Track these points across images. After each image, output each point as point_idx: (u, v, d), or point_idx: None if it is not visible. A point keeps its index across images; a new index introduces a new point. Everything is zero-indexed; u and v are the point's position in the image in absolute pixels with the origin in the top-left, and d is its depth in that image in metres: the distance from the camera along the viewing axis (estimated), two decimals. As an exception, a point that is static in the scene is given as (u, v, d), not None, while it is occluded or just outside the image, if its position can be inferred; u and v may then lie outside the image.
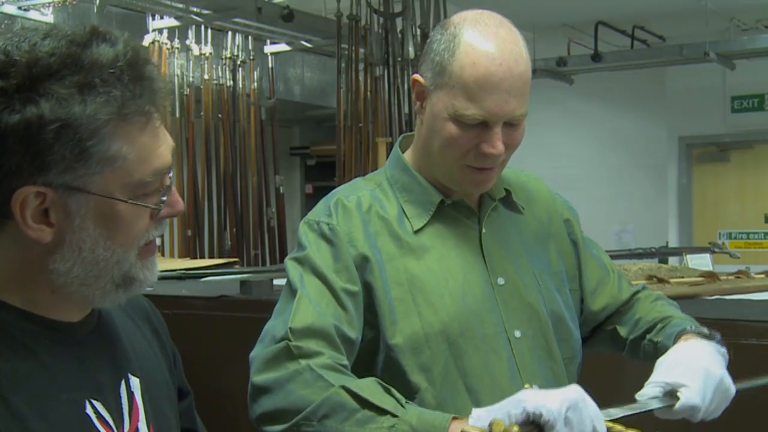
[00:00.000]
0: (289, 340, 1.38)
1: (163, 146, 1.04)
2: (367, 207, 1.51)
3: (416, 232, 1.51)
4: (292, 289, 1.46)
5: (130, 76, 0.98)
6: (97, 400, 1.04)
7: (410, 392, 1.45)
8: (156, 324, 1.26)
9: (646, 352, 1.59)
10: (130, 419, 1.08)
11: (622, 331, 1.64)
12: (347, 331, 1.42)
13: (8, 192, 0.95)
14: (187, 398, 1.30)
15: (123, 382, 1.09)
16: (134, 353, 1.14)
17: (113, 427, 1.04)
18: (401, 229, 1.50)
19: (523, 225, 1.60)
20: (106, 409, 1.05)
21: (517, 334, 1.50)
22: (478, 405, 1.42)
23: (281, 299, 1.49)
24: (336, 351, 1.39)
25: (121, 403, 1.08)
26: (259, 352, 1.43)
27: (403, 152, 1.60)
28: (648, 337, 1.59)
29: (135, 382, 1.11)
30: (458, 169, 1.47)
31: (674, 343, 1.50)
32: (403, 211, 1.52)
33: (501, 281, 1.52)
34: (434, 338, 1.45)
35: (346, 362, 1.39)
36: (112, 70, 0.97)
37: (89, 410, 1.02)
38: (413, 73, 1.52)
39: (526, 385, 1.30)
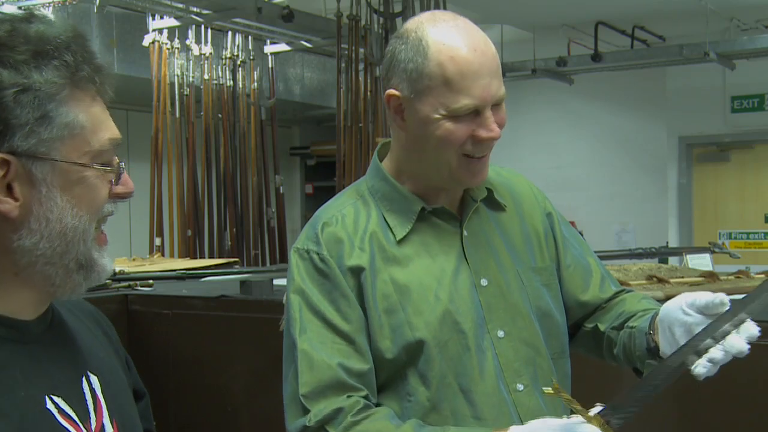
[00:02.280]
0: (307, 410, 1.43)
1: (111, 120, 1.07)
2: (352, 223, 1.52)
3: (399, 242, 1.52)
4: (291, 339, 1.49)
5: (76, 45, 1.01)
6: (58, 396, 1.04)
7: (406, 396, 1.48)
8: (105, 328, 1.26)
9: (622, 342, 1.57)
10: (95, 415, 1.08)
11: (602, 326, 1.63)
12: (356, 365, 1.45)
13: None
14: (143, 399, 1.31)
15: (84, 379, 1.10)
16: (90, 352, 1.15)
17: (77, 422, 1.04)
18: (385, 240, 1.51)
19: (506, 223, 1.61)
20: (68, 404, 1.04)
21: (500, 334, 1.51)
22: (472, 405, 1.46)
23: (285, 347, 1.52)
24: (351, 392, 1.43)
25: (85, 400, 1.08)
26: (289, 428, 1.49)
27: (381, 160, 1.60)
28: (626, 325, 1.58)
29: (94, 379, 1.11)
30: (457, 161, 1.48)
31: (651, 323, 1.50)
32: (386, 221, 1.53)
33: (484, 282, 1.53)
34: (427, 345, 1.47)
35: (362, 401, 1.43)
36: (59, 41, 1.00)
37: (50, 406, 1.02)
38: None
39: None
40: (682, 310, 1.42)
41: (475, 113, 1.44)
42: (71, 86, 1.00)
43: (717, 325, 1.37)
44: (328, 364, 1.44)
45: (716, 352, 1.35)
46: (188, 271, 3.51)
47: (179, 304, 3.06)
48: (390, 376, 1.48)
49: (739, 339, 1.35)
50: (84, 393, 1.08)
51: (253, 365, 2.89)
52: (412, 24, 1.49)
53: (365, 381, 1.46)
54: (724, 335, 1.35)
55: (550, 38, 7.06)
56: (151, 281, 3.28)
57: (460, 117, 1.44)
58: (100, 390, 1.11)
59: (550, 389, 1.35)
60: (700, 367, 1.35)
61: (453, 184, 1.54)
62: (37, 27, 1.00)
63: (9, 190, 0.98)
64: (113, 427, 1.10)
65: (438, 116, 1.44)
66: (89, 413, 1.07)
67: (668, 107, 7.48)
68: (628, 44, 7.12)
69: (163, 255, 5.21)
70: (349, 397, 1.43)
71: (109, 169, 1.04)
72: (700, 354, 1.36)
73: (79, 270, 1.05)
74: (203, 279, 3.38)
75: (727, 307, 1.38)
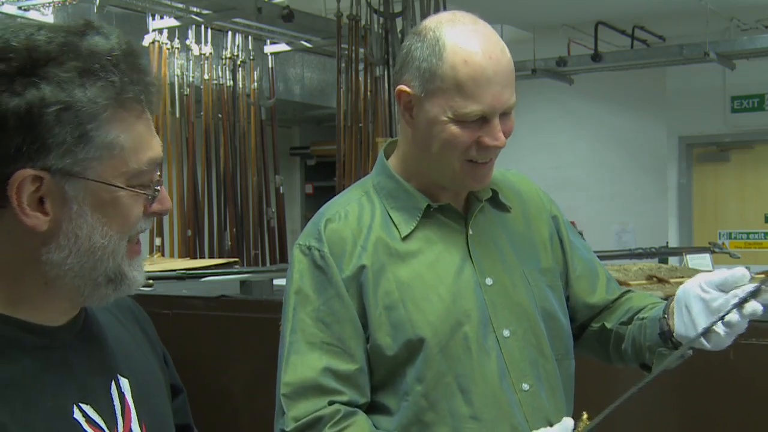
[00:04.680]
0: (285, 411, 1.44)
1: (155, 139, 1.05)
2: (356, 221, 1.52)
3: (404, 238, 1.51)
4: (282, 338, 1.50)
5: (126, 65, 1.00)
6: (87, 404, 1.03)
7: (403, 394, 1.47)
8: (143, 323, 1.26)
9: (631, 336, 1.58)
10: (123, 420, 1.08)
11: (609, 324, 1.64)
12: (342, 366, 1.45)
13: (5, 177, 0.95)
14: (180, 395, 1.30)
15: (113, 384, 1.09)
16: (122, 354, 1.14)
17: (105, 429, 1.04)
18: (389, 237, 1.51)
19: (511, 224, 1.60)
20: (97, 411, 1.04)
21: (506, 333, 1.51)
22: (470, 405, 1.45)
23: (280, 342, 1.52)
24: (333, 396, 1.44)
25: (113, 405, 1.07)
26: (275, 428, 1.49)
27: (387, 158, 1.60)
28: (636, 317, 1.59)
29: (124, 382, 1.11)
30: (460, 166, 1.48)
31: (666, 307, 1.52)
32: (390, 218, 1.53)
33: (489, 281, 1.52)
34: (426, 344, 1.46)
35: (343, 409, 1.43)
36: (108, 58, 0.98)
37: (77, 415, 1.02)
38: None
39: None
40: (701, 287, 1.45)
41: (483, 120, 1.44)
42: (115, 106, 0.98)
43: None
44: (313, 366, 1.44)
45: (732, 316, 1.39)
46: (188, 271, 3.51)
47: (179, 304, 3.07)
48: (389, 374, 1.48)
49: (755, 303, 1.40)
50: (112, 398, 1.08)
51: (253, 365, 2.89)
52: (431, 22, 1.48)
53: (352, 383, 1.45)
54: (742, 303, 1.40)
55: (550, 38, 7.06)
56: (151, 281, 3.28)
57: (467, 122, 1.44)
58: (129, 393, 1.11)
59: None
60: (717, 329, 1.41)
61: (456, 187, 1.54)
62: (89, 41, 0.98)
63: (40, 204, 0.98)
64: (142, 431, 1.10)
65: (445, 119, 1.44)
66: (116, 418, 1.07)
67: (668, 107, 7.48)
68: (628, 44, 7.12)
69: (163, 255, 5.21)
70: (330, 403, 1.43)
71: (143, 191, 1.03)
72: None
73: (108, 283, 1.04)
74: (203, 279, 3.38)
75: (747, 279, 1.42)
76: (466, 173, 1.49)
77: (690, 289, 1.46)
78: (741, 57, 6.72)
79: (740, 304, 1.39)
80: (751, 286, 1.41)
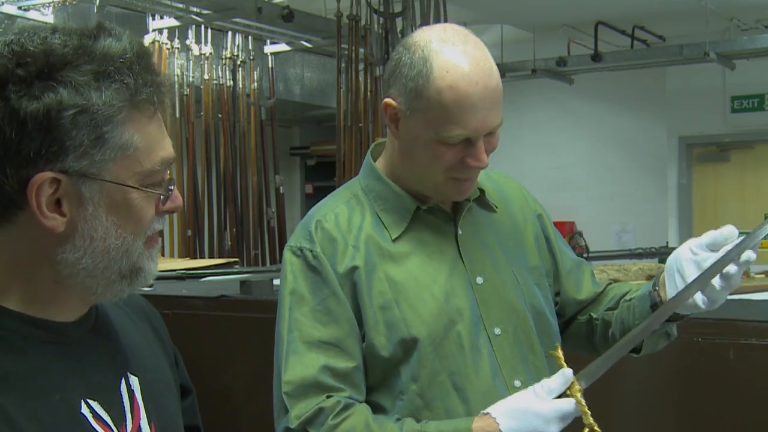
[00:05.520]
0: (288, 410, 1.45)
1: (167, 138, 1.07)
2: (346, 222, 1.53)
3: (395, 240, 1.52)
4: (279, 338, 1.51)
5: (139, 66, 1.01)
6: (94, 400, 1.04)
7: (398, 393, 1.49)
8: (155, 323, 1.27)
9: (619, 319, 1.61)
10: (132, 418, 1.08)
11: (596, 313, 1.67)
12: (340, 364, 1.46)
13: (24, 180, 0.97)
14: (189, 396, 1.31)
15: (123, 381, 1.10)
16: (133, 352, 1.15)
17: (112, 426, 1.05)
18: (380, 238, 1.52)
19: (498, 223, 1.62)
20: (104, 408, 1.05)
21: (497, 331, 1.53)
22: (466, 403, 1.48)
23: (275, 343, 1.53)
24: (332, 392, 1.45)
25: (122, 402, 1.08)
26: (276, 427, 1.50)
27: (375, 159, 1.61)
28: (623, 300, 1.62)
29: (134, 380, 1.12)
30: (443, 182, 1.50)
31: (656, 281, 1.55)
32: (380, 220, 1.54)
33: (480, 280, 1.54)
34: (421, 343, 1.48)
35: (343, 401, 1.44)
36: (122, 60, 1.00)
37: (85, 410, 1.02)
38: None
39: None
40: (690, 250, 1.47)
41: (467, 141, 1.45)
42: (129, 108, 1.00)
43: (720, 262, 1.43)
44: (312, 364, 1.45)
45: (731, 267, 1.41)
46: (188, 271, 3.51)
47: (179, 304, 3.06)
48: (384, 374, 1.49)
49: (749, 252, 1.42)
50: (122, 395, 1.09)
51: (253, 365, 2.89)
52: (420, 39, 1.47)
53: (349, 380, 1.47)
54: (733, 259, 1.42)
55: (550, 38, 7.06)
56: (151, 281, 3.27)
57: (450, 143, 1.44)
58: (139, 391, 1.12)
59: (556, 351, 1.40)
60: (713, 282, 1.42)
61: (438, 197, 1.56)
62: (103, 43, 1.00)
63: (57, 205, 0.99)
64: (151, 430, 1.11)
65: (428, 138, 1.45)
66: (125, 415, 1.08)
67: (668, 107, 7.48)
68: (628, 44, 7.12)
69: (163, 255, 5.22)
70: (329, 396, 1.44)
71: (156, 191, 1.05)
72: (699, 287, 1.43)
73: (122, 280, 1.06)
74: (203, 279, 3.38)
75: (736, 235, 1.44)
76: (451, 189, 1.51)
77: (680, 254, 1.48)
78: (741, 57, 6.73)
79: (737, 253, 1.41)
80: (740, 240, 1.43)
